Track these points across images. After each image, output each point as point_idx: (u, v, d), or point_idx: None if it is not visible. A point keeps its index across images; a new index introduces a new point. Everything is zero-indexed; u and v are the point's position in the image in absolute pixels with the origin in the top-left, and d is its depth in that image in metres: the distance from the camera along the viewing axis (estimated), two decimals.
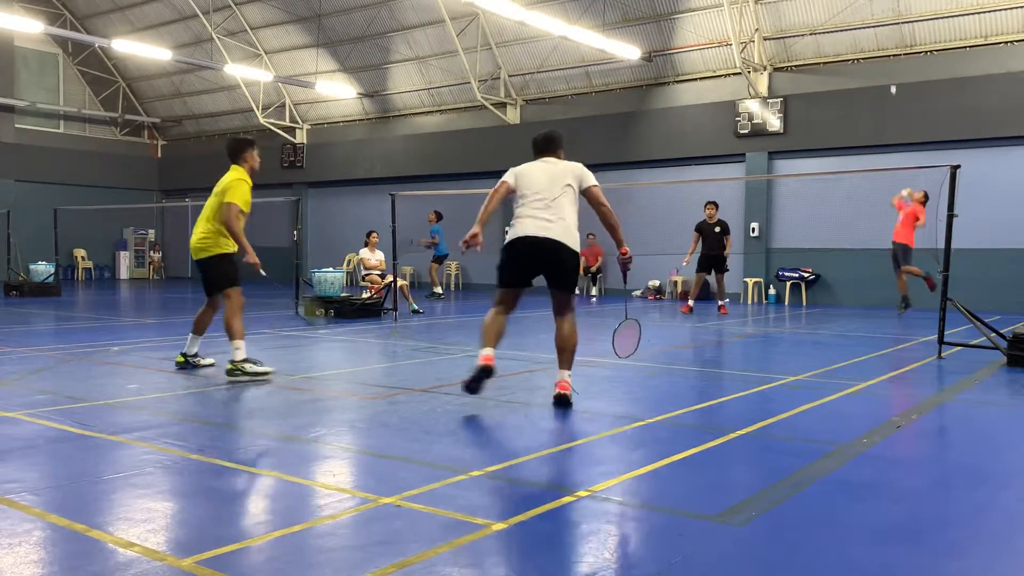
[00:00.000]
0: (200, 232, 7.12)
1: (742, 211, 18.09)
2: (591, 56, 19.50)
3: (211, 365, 7.34)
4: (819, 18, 16.66)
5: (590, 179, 6.10)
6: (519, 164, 6.36)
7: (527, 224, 5.82)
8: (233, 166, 7.19)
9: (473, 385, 5.62)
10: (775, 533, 3.21)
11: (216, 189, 7.14)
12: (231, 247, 7.15)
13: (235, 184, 7.00)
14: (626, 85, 19.83)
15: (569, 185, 5.98)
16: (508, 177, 6.05)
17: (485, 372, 5.59)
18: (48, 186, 25.86)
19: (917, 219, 13.28)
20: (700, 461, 4.28)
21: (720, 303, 14.43)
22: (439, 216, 17.38)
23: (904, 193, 13.55)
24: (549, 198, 5.87)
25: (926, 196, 13.30)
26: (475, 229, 5.96)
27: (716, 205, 14.63)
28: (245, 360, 6.75)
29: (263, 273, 7.30)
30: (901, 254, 13.35)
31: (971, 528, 3.32)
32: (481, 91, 20.70)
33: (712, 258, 14.46)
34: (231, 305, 6.99)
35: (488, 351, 5.69)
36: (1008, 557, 3.04)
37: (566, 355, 5.78)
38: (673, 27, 18.36)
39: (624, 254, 6.23)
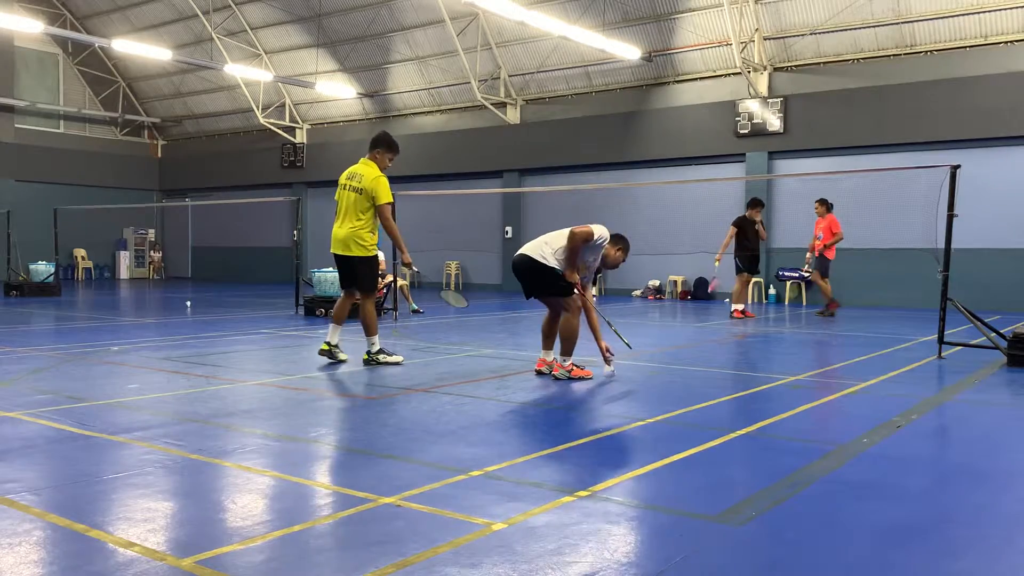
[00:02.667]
0: (348, 228, 7.52)
1: (742, 211, 18.05)
2: (591, 56, 19.50)
3: (344, 361, 7.72)
4: (819, 18, 16.66)
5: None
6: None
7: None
8: (368, 161, 7.58)
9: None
10: (775, 533, 3.21)
11: (354, 184, 7.51)
12: (372, 249, 7.60)
13: (379, 183, 7.42)
14: (626, 85, 19.83)
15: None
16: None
17: (538, 374, 7.06)
18: (48, 186, 25.87)
19: (834, 232, 13.54)
20: (700, 461, 4.28)
21: (734, 307, 13.22)
22: None
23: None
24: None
25: (827, 205, 13.70)
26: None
27: (755, 204, 13.59)
28: (380, 351, 7.60)
29: (415, 270, 7.86)
30: (823, 266, 13.66)
31: (971, 528, 3.32)
32: (481, 91, 20.69)
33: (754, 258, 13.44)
34: (369, 306, 7.62)
35: (543, 355, 7.12)
36: (1008, 557, 3.03)
37: (564, 343, 6.85)
38: (673, 27, 18.36)
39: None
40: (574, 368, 6.84)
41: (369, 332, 7.62)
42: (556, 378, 6.81)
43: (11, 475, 3.89)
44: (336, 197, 7.81)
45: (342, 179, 7.70)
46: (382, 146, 7.64)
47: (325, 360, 7.71)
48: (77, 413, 5.34)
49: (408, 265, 7.81)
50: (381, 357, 7.59)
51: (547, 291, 6.90)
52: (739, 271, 13.39)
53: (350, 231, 7.52)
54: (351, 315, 7.92)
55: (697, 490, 3.78)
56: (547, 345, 7.11)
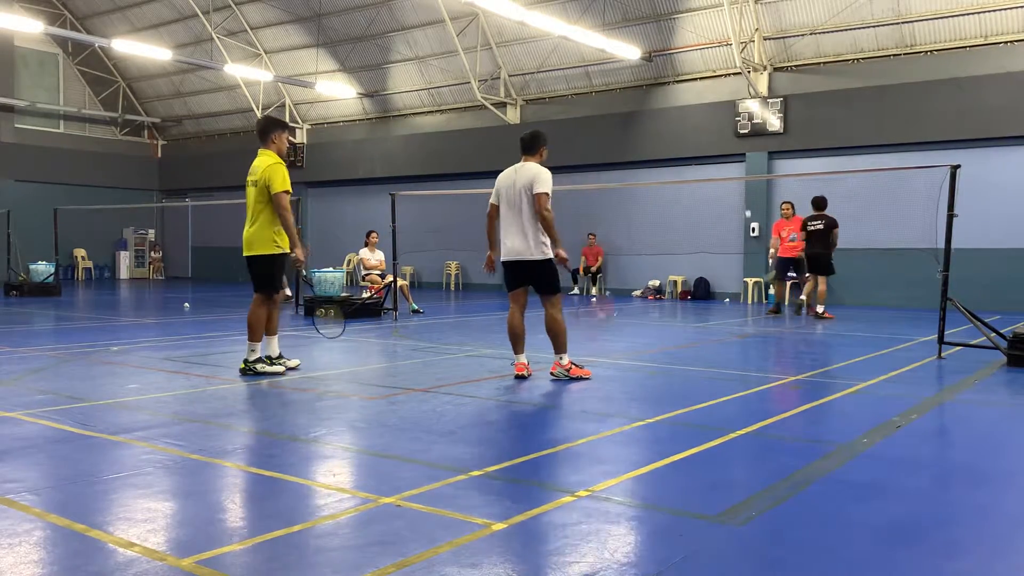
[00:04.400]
0: (254, 227, 6.95)
1: (742, 211, 18.10)
2: (591, 56, 19.50)
3: (296, 368, 7.31)
4: (819, 18, 16.66)
5: (540, 185, 6.63)
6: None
7: (505, 246, 6.83)
8: (262, 150, 7.03)
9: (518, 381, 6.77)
10: (775, 533, 3.21)
11: (252, 178, 6.95)
12: (282, 246, 6.99)
13: (274, 170, 6.82)
14: (626, 85, 19.83)
15: (525, 192, 6.68)
16: (493, 198, 6.97)
17: (520, 379, 6.78)
18: (48, 186, 25.86)
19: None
20: (700, 461, 4.28)
21: (813, 305, 13.34)
22: None
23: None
24: (515, 211, 6.71)
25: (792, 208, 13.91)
26: (489, 255, 7.16)
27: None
28: (259, 360, 7.01)
29: (303, 273, 7.27)
30: (795, 267, 13.77)
31: (971, 528, 3.32)
32: (481, 91, 20.70)
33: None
34: (260, 308, 7.00)
35: (518, 360, 6.88)
36: (1009, 557, 3.04)
37: (555, 340, 6.75)
38: (673, 27, 18.36)
39: (557, 256, 6.80)
40: (573, 367, 6.77)
41: (251, 336, 6.96)
42: (554, 377, 6.75)
43: (11, 475, 3.89)
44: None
45: (247, 179, 7.12)
46: (275, 128, 7.04)
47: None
48: (77, 413, 5.34)
49: (298, 262, 7.10)
50: (259, 367, 6.95)
51: (546, 286, 6.76)
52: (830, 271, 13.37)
53: (252, 231, 6.95)
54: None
55: (697, 490, 3.78)
56: (523, 348, 6.91)
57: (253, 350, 6.99)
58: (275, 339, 7.26)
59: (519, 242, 6.69)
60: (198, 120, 28.50)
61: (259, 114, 25.00)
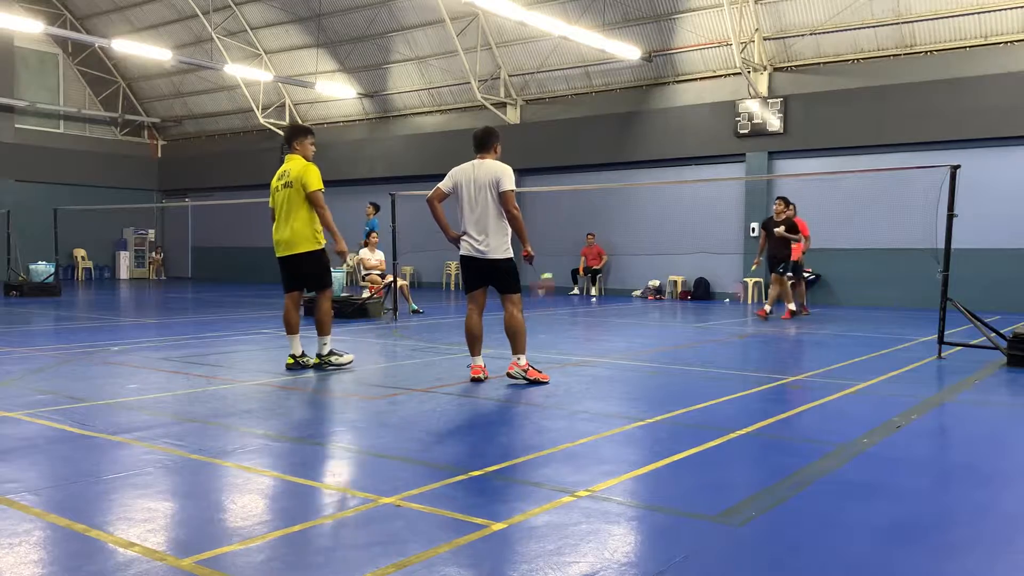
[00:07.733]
0: (289, 228, 7.20)
1: (742, 211, 18.11)
2: (591, 56, 19.50)
3: (349, 363, 7.53)
4: (819, 18, 16.66)
5: (508, 183, 6.58)
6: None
7: (464, 242, 6.62)
8: (291, 155, 7.31)
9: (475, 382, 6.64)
10: (775, 533, 3.21)
11: (285, 181, 7.21)
12: (323, 242, 7.33)
13: (308, 171, 7.16)
14: (626, 85, 19.83)
15: (490, 189, 6.55)
16: (445, 185, 6.77)
17: (476, 382, 6.64)
18: (48, 186, 25.87)
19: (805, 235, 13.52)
20: (700, 461, 4.28)
21: (764, 306, 13.41)
22: (377, 208, 14.74)
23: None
24: (478, 208, 6.54)
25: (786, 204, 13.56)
26: (453, 235, 6.76)
27: (785, 201, 13.59)
28: (331, 353, 7.34)
29: (349, 263, 7.60)
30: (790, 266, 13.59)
31: (971, 528, 3.32)
32: (481, 91, 20.70)
33: (771, 258, 13.41)
34: (326, 302, 7.39)
35: (475, 362, 6.76)
36: (1008, 557, 3.03)
37: (513, 339, 6.62)
38: (673, 27, 18.36)
39: (526, 255, 6.74)
40: (530, 368, 6.60)
41: (322, 331, 7.33)
42: (511, 377, 6.59)
43: (11, 475, 3.89)
44: (270, 204, 7.43)
45: (273, 183, 7.37)
46: (299, 134, 7.35)
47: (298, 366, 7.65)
48: (77, 413, 5.34)
49: (342, 254, 7.49)
50: (333, 359, 7.33)
51: (507, 285, 6.64)
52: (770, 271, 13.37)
53: (292, 230, 7.18)
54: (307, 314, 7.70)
55: (697, 490, 3.78)
56: (480, 350, 6.80)
57: (324, 344, 7.32)
58: (297, 337, 7.48)
59: (482, 240, 6.53)
60: (198, 120, 28.50)
61: (259, 114, 25.03)
